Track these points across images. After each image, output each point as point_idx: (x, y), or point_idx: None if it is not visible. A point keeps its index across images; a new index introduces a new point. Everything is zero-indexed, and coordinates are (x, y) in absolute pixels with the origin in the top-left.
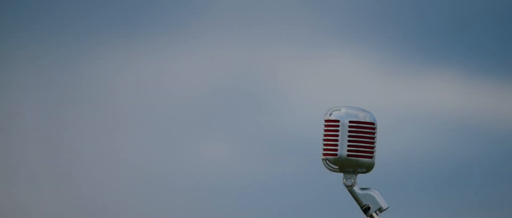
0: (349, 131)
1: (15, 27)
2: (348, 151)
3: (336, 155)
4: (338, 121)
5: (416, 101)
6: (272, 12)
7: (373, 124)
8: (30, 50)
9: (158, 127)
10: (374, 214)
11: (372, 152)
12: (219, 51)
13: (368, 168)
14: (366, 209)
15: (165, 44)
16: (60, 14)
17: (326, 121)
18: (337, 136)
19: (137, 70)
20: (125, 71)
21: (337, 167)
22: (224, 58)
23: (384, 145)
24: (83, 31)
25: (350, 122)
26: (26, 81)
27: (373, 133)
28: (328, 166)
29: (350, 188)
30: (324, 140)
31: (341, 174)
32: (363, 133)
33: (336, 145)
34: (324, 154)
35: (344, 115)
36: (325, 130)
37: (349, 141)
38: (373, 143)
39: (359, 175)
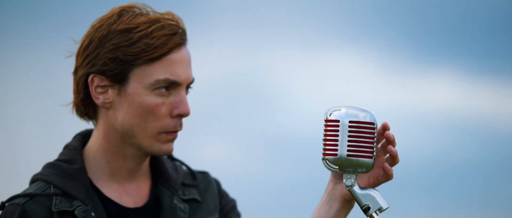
0: (349, 131)
1: (16, 26)
2: (348, 151)
3: (336, 155)
4: (338, 121)
5: (416, 102)
6: (273, 11)
7: (373, 124)
8: (31, 50)
9: None
10: (374, 214)
11: (372, 152)
12: (219, 51)
13: (368, 168)
14: (366, 209)
15: None
16: (60, 13)
17: (326, 120)
18: (337, 136)
19: None
20: None
21: (337, 167)
22: (225, 58)
23: None
24: (84, 30)
25: (350, 122)
26: (27, 81)
27: (373, 133)
28: (328, 166)
29: (350, 188)
30: (324, 140)
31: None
32: (363, 133)
33: (336, 145)
34: (324, 154)
35: (344, 114)
36: (325, 130)
37: (349, 141)
38: (373, 143)
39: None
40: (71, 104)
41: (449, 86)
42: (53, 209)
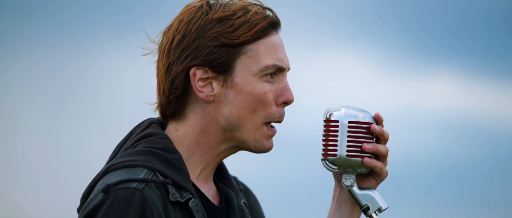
0: (349, 131)
1: (16, 26)
2: (348, 151)
3: (335, 155)
4: (337, 121)
5: (416, 101)
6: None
7: (372, 124)
8: (31, 50)
9: None
10: (373, 215)
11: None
12: None
13: (367, 168)
14: (365, 210)
15: None
16: (60, 13)
17: (325, 121)
18: (337, 136)
19: (138, 70)
20: (127, 71)
21: (337, 168)
22: None
23: None
24: (84, 30)
25: (349, 122)
26: (27, 81)
27: (373, 133)
28: (327, 167)
29: (349, 189)
30: (323, 140)
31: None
32: (363, 133)
33: (336, 146)
34: (324, 154)
35: (343, 115)
36: (324, 130)
37: (348, 141)
38: (372, 143)
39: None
40: (156, 105)
41: (449, 86)
42: (170, 198)
